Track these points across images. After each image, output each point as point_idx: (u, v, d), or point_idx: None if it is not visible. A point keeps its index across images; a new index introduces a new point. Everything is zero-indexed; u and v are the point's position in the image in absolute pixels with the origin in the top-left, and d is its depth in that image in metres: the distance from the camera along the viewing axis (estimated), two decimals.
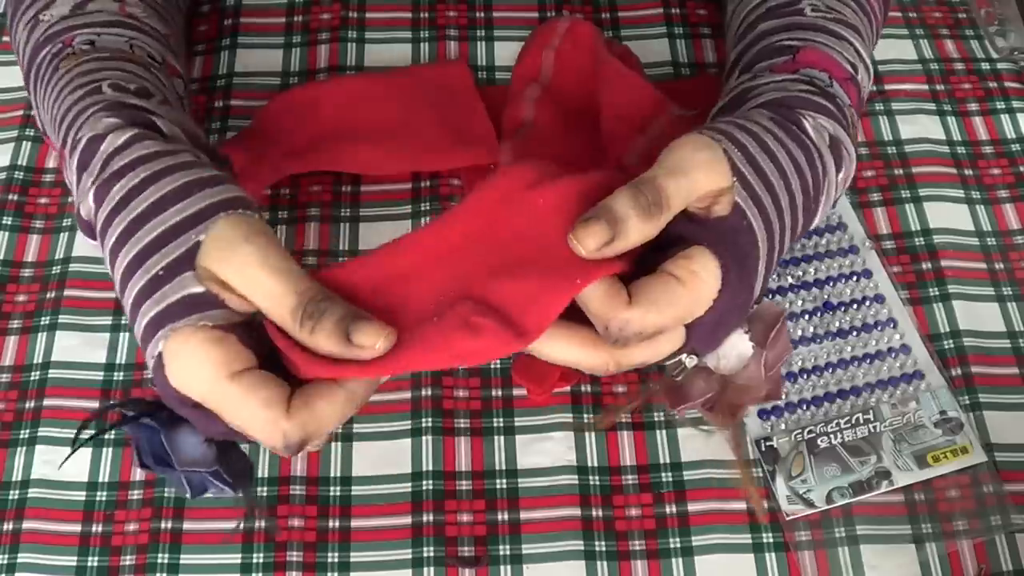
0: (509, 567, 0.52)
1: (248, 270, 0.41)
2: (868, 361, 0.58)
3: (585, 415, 0.56)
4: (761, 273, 0.46)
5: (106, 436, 0.55)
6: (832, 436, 0.55)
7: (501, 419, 0.56)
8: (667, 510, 0.54)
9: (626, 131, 0.60)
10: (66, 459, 0.51)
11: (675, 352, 0.44)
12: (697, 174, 0.44)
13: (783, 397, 0.53)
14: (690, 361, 0.46)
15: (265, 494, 0.54)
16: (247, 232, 0.42)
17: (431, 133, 0.63)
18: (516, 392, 0.57)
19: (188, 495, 0.45)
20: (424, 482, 0.54)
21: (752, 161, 0.46)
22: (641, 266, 0.44)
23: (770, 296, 0.59)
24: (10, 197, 0.63)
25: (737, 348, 0.47)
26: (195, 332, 0.40)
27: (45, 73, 0.52)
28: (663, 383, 0.49)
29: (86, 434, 0.46)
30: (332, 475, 0.55)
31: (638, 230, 0.42)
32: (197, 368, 0.40)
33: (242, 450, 0.46)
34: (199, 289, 0.41)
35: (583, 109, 0.64)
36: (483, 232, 0.44)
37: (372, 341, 0.40)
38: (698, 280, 0.43)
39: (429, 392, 0.57)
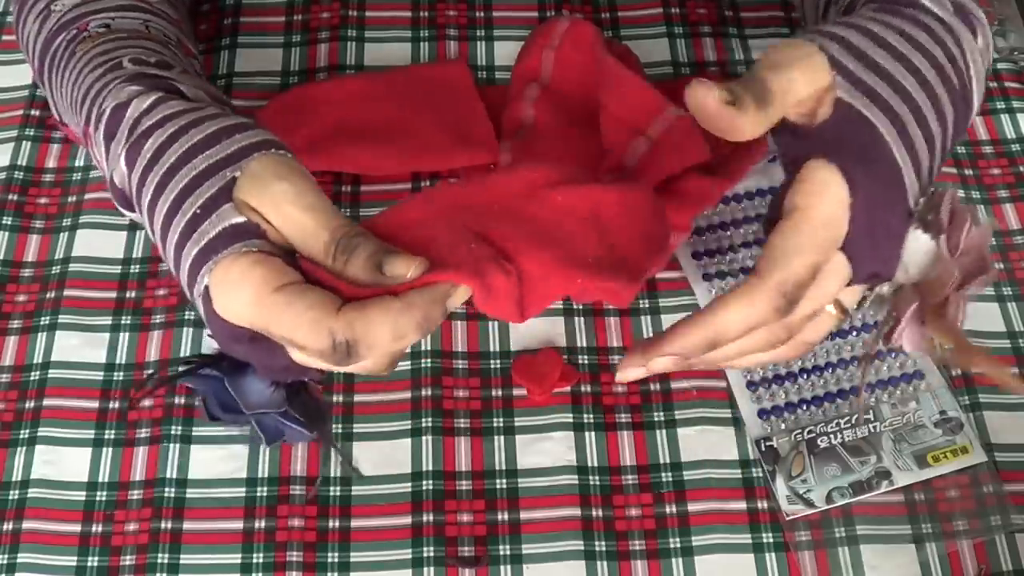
0: (509, 567, 0.52)
1: (283, 207, 0.41)
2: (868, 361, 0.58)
3: (585, 415, 0.56)
4: (903, 160, 0.42)
5: (105, 436, 0.55)
6: (832, 436, 0.55)
7: (501, 419, 0.56)
8: (667, 510, 0.54)
9: (626, 131, 0.60)
10: (175, 378, 0.50)
11: (852, 282, 0.42)
12: (793, 72, 0.41)
13: (992, 272, 0.46)
14: (884, 290, 0.44)
15: (265, 494, 0.54)
16: (281, 170, 0.42)
17: (430, 133, 0.63)
18: (516, 392, 0.57)
19: (264, 443, 0.44)
20: (424, 482, 0.54)
21: (854, 50, 0.43)
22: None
23: None
24: (10, 197, 0.63)
25: (917, 247, 0.43)
26: (239, 257, 0.41)
27: (61, 59, 0.53)
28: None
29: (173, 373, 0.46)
30: (332, 475, 0.55)
31: (752, 113, 0.40)
32: (241, 288, 0.40)
33: (313, 391, 0.45)
34: (240, 219, 0.41)
35: (583, 109, 0.64)
36: (505, 206, 0.45)
37: (404, 270, 0.40)
38: (821, 199, 0.40)
39: (429, 392, 0.57)
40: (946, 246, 0.43)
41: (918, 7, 0.47)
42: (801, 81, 0.41)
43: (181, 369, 0.44)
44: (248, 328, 0.41)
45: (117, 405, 0.56)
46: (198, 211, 0.42)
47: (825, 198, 0.40)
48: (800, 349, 0.45)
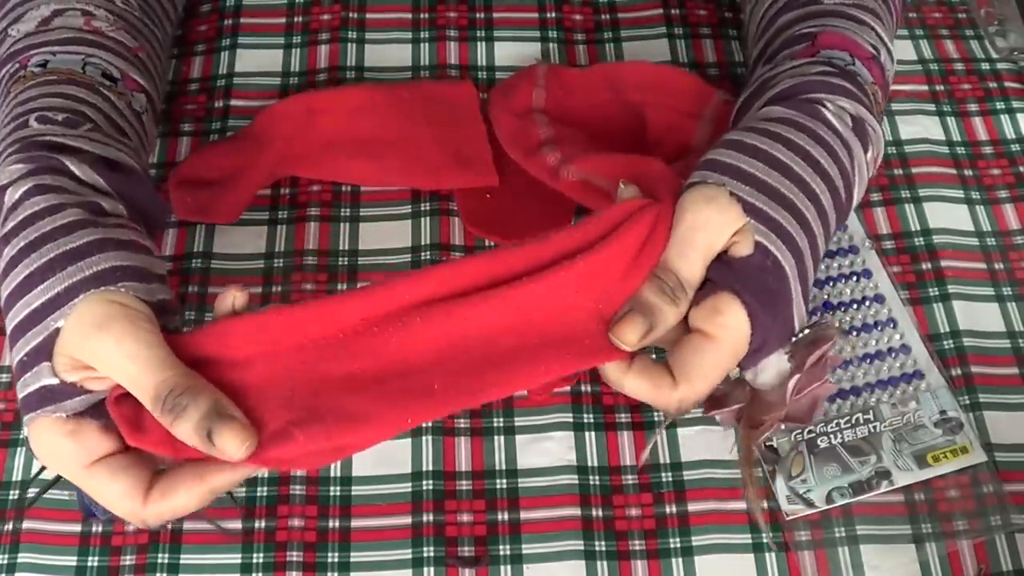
0: (509, 567, 0.52)
1: (105, 358, 0.41)
2: (868, 361, 0.58)
3: (585, 415, 0.56)
4: (797, 295, 0.46)
5: None
6: (832, 436, 0.55)
7: (501, 419, 0.56)
8: (667, 510, 0.54)
9: (687, 119, 0.61)
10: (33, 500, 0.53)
11: None
12: (707, 235, 0.45)
13: (812, 423, 0.53)
14: (733, 373, 0.47)
15: (265, 494, 0.54)
16: (103, 318, 0.41)
17: (430, 152, 0.63)
18: (516, 392, 0.57)
19: (101, 515, 0.47)
20: (424, 482, 0.54)
21: (764, 188, 0.46)
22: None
23: None
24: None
25: (776, 366, 0.47)
26: (51, 424, 0.42)
27: (1, 93, 0.53)
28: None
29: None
30: (332, 475, 0.55)
31: (671, 313, 0.44)
32: (56, 457, 0.42)
33: None
34: (53, 381, 0.42)
35: (592, 131, 0.64)
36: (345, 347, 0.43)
37: (234, 449, 0.40)
38: (728, 332, 0.44)
39: None
40: (794, 384, 0.47)
41: (821, 120, 0.49)
42: (716, 238, 0.45)
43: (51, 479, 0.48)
44: None
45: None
46: (25, 358, 0.43)
47: (733, 334, 0.44)
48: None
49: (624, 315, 0.44)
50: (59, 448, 0.42)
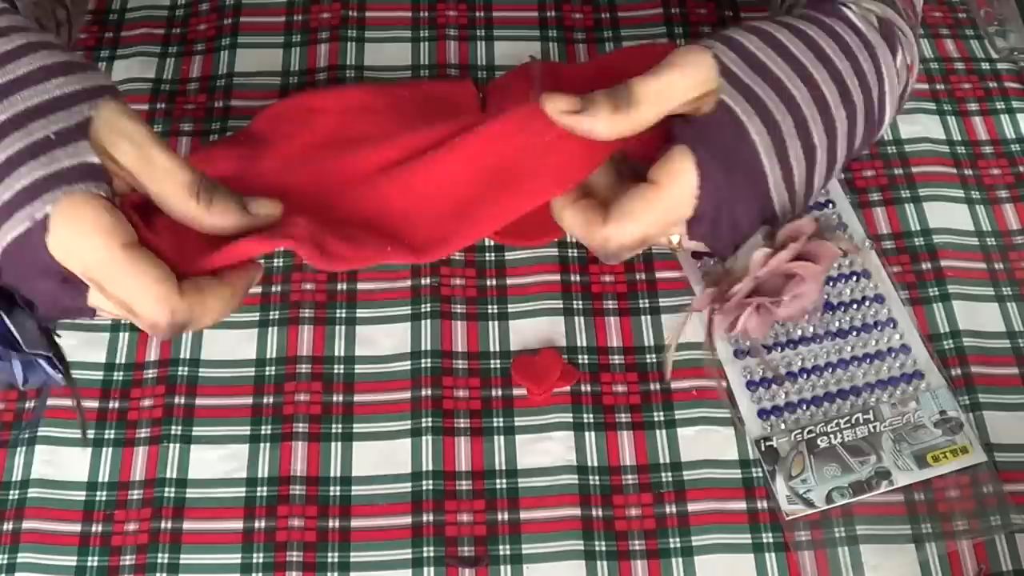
0: (509, 567, 0.52)
1: (144, 147, 0.42)
2: (868, 361, 0.58)
3: (585, 415, 0.56)
4: (771, 167, 0.45)
5: (105, 436, 0.55)
6: (832, 436, 0.55)
7: (501, 419, 0.56)
8: (667, 510, 0.54)
9: None
10: None
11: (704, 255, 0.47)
12: (672, 76, 0.45)
13: (793, 319, 0.52)
14: (674, 239, 0.48)
15: (265, 494, 0.54)
16: (134, 114, 0.43)
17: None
18: (516, 392, 0.57)
19: (21, 385, 0.44)
20: (424, 482, 0.54)
21: (750, 57, 0.46)
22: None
23: None
24: None
25: (752, 248, 0.47)
26: (92, 198, 0.40)
27: None
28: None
29: None
30: (332, 475, 0.55)
31: (606, 118, 0.44)
32: (90, 233, 0.40)
33: (56, 340, 0.46)
34: (96, 160, 0.41)
35: None
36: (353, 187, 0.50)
37: (269, 209, 0.45)
38: (671, 179, 0.44)
39: (429, 392, 0.57)
40: (763, 256, 0.46)
41: (841, 18, 0.49)
42: (679, 84, 0.45)
43: None
44: (68, 270, 0.41)
45: (116, 406, 0.56)
46: (52, 136, 0.41)
47: (677, 182, 0.45)
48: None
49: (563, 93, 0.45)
50: (100, 222, 0.40)
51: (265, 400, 0.56)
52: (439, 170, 0.49)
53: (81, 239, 0.40)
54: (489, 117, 0.49)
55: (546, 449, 0.55)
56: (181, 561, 0.52)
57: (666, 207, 0.45)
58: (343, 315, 0.59)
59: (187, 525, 0.53)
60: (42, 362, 0.44)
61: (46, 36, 0.45)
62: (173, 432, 0.55)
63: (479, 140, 0.49)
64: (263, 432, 0.55)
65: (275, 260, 0.61)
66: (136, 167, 0.42)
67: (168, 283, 0.41)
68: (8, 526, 0.53)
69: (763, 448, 0.55)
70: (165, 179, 0.42)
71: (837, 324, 0.59)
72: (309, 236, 0.46)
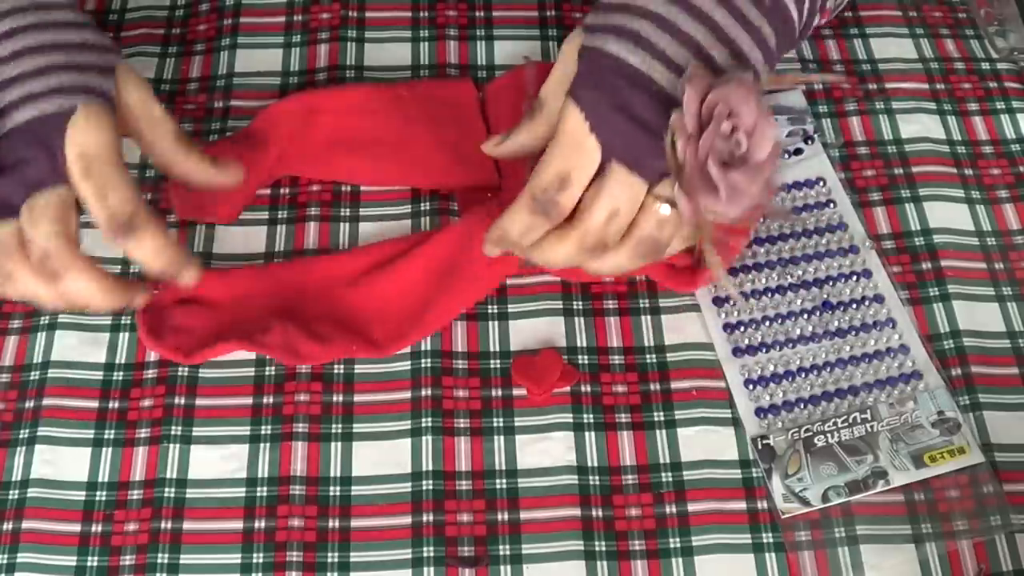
0: (509, 567, 0.52)
1: (147, 99, 0.53)
2: (866, 361, 0.58)
3: (585, 415, 0.56)
4: (641, 60, 0.48)
5: (105, 436, 0.55)
6: (829, 435, 0.55)
7: (501, 419, 0.56)
8: (667, 510, 0.54)
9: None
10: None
11: (649, 179, 0.49)
12: (556, 69, 0.53)
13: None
14: (663, 209, 0.50)
15: (265, 494, 0.54)
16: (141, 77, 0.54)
17: (430, 151, 0.63)
18: (516, 392, 0.57)
19: None
20: (424, 482, 0.54)
21: (602, 5, 0.51)
22: None
23: (769, 295, 0.60)
24: None
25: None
26: (111, 114, 0.51)
27: None
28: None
29: None
30: (332, 475, 0.55)
31: (526, 122, 0.54)
32: (103, 131, 0.50)
33: None
34: (113, 94, 0.51)
35: None
36: (324, 292, 0.59)
37: (232, 175, 0.56)
38: (563, 123, 0.49)
39: (429, 392, 0.57)
40: (678, 116, 0.47)
41: None
42: (563, 68, 0.52)
43: None
44: (63, 153, 0.49)
45: (117, 405, 0.56)
46: (88, 63, 0.51)
47: (566, 122, 0.49)
48: (643, 251, 0.51)
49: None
50: (112, 130, 0.50)
51: (265, 400, 0.56)
52: (399, 278, 0.58)
53: (96, 132, 0.49)
54: (442, 229, 0.59)
55: (546, 449, 0.55)
56: (181, 561, 0.52)
57: (561, 145, 0.49)
58: None
59: (187, 525, 0.53)
60: None
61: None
62: (173, 432, 0.55)
63: (432, 250, 0.58)
64: (263, 432, 0.55)
65: (276, 246, 0.61)
66: (139, 111, 0.53)
67: (136, 197, 0.50)
68: (8, 526, 0.53)
69: (760, 446, 0.55)
70: (158, 126, 0.53)
71: (836, 324, 0.59)
72: (281, 343, 0.56)
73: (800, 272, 0.60)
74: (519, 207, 0.51)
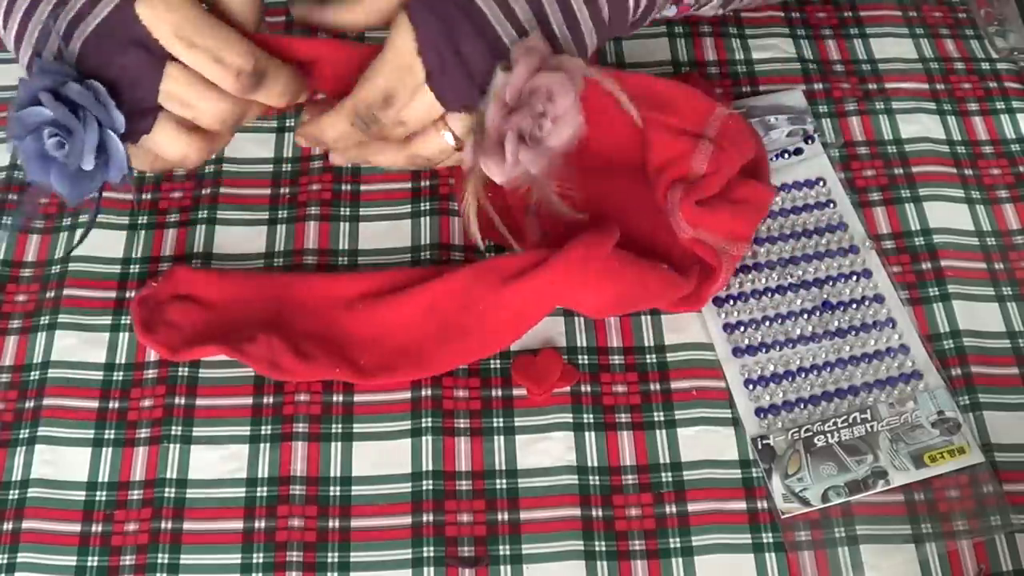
0: (509, 567, 0.52)
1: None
2: (866, 361, 0.58)
3: (585, 415, 0.56)
4: (488, 6, 0.49)
5: (105, 436, 0.55)
6: (829, 435, 0.55)
7: (501, 419, 0.56)
8: (667, 510, 0.54)
9: (686, 137, 0.55)
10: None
11: (448, 109, 0.51)
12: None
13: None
14: (447, 137, 0.52)
15: (265, 494, 0.54)
16: None
17: None
18: (516, 392, 0.57)
19: (87, 168, 0.49)
20: (424, 482, 0.54)
21: None
22: None
23: (769, 295, 0.60)
24: (10, 197, 0.63)
25: (496, 82, 0.49)
26: None
27: None
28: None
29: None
30: (332, 475, 0.55)
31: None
32: (180, 3, 0.48)
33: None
34: None
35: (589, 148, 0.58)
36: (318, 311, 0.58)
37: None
38: (394, 38, 0.49)
39: (429, 392, 0.57)
40: (502, 81, 0.49)
41: None
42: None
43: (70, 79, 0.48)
44: (155, 40, 0.48)
45: (117, 405, 0.56)
46: None
47: (396, 37, 0.50)
48: (416, 161, 0.54)
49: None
50: None
51: (265, 400, 0.56)
52: (399, 310, 0.56)
53: (172, 3, 0.48)
54: (450, 272, 0.57)
55: (546, 449, 0.55)
56: (181, 561, 0.52)
57: (387, 62, 0.50)
58: None
59: (187, 525, 0.53)
60: (112, 143, 0.49)
61: None
62: (173, 432, 0.55)
63: (437, 292, 0.56)
64: (263, 432, 0.56)
65: (276, 246, 0.61)
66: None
67: (249, 46, 0.49)
68: (8, 526, 0.53)
69: (759, 446, 0.55)
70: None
71: (836, 324, 0.59)
72: (264, 354, 0.55)
73: (800, 272, 0.60)
74: (339, 116, 0.52)
